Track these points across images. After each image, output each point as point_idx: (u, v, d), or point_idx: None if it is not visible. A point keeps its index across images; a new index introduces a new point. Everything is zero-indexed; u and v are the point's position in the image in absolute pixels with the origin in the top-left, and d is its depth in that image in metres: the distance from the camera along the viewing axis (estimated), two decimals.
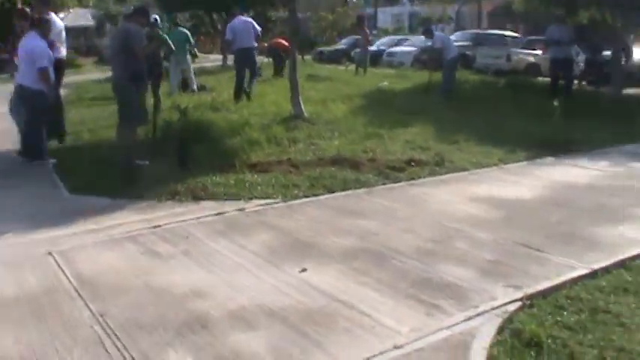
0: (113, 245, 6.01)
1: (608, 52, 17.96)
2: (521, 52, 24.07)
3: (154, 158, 8.98)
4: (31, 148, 9.31)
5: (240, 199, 7.44)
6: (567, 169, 9.14)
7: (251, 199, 7.48)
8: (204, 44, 48.19)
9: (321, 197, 7.64)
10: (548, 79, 17.25)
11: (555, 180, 8.45)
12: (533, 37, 24.99)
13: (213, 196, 7.56)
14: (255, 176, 8.35)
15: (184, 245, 5.98)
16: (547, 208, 7.22)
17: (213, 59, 36.10)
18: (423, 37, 20.50)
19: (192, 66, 17.70)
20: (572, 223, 6.61)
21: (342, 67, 26.88)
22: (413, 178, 8.53)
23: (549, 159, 9.74)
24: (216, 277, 5.26)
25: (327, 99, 14.71)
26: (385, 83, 18.59)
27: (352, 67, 25.10)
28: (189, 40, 16.71)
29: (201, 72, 23.21)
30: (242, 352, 4.11)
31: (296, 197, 7.59)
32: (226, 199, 7.46)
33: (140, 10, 9.87)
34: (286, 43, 18.54)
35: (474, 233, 6.31)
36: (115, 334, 4.30)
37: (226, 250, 5.86)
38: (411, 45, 30.26)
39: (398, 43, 32.54)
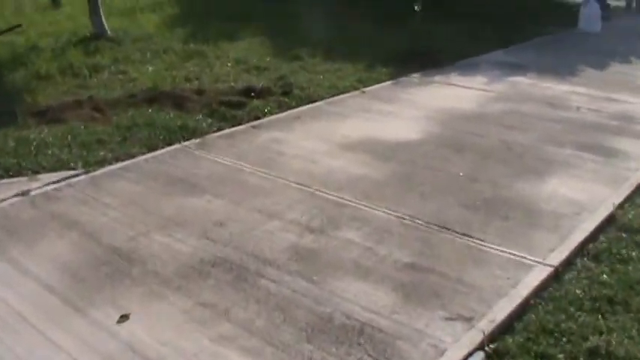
0: None
1: None
2: None
3: None
4: None
5: (22, 174, 4.97)
6: (442, 90, 7.48)
7: (38, 172, 5.02)
8: None
9: (139, 159, 5.34)
10: None
11: (436, 108, 6.73)
12: None
13: None
14: (46, 130, 5.81)
15: None
16: (444, 152, 5.49)
17: None
18: None
19: None
20: (487, 179, 4.94)
21: None
22: (257, 117, 6.45)
23: (415, 76, 8.03)
24: None
25: (135, 8, 11.82)
26: None
27: None
28: None
29: None
30: None
31: (103, 162, 5.22)
32: (2, 177, 4.94)
33: None
34: None
35: (364, 209, 4.41)
36: None
37: None
38: None
39: None
